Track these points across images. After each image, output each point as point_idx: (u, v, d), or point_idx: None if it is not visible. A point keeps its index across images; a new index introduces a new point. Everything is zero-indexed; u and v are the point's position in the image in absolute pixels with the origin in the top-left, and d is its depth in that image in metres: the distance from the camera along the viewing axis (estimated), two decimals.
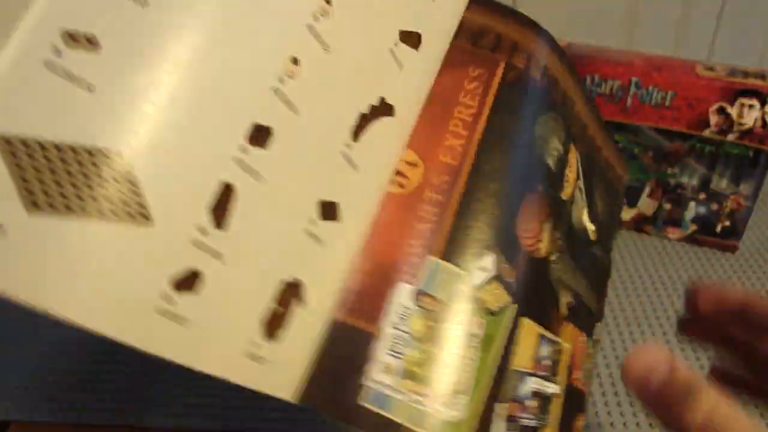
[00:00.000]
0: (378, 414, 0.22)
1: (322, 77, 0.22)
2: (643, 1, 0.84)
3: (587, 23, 0.82)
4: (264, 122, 0.20)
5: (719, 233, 0.65)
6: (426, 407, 0.22)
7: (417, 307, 0.24)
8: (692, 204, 0.65)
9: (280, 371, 0.21)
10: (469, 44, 0.28)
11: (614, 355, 0.54)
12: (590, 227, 0.33)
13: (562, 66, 0.31)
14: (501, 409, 0.24)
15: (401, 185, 0.25)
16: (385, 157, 0.25)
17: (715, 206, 0.64)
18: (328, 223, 0.23)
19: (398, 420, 0.22)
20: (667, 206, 0.66)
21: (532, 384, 0.26)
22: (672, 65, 0.61)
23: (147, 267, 0.17)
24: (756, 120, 0.58)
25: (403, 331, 0.23)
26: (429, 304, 0.24)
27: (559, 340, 0.28)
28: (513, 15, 0.30)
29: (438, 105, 0.27)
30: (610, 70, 0.62)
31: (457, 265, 0.24)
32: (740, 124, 0.59)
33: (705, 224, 0.66)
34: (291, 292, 0.21)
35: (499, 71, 0.28)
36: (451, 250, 0.24)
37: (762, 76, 0.59)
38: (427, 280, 0.24)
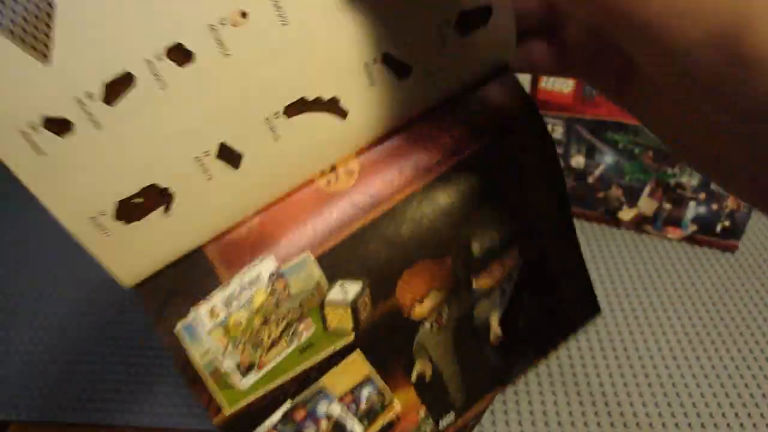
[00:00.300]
0: (181, 347, 0.24)
1: (265, 45, 0.22)
2: None
3: None
4: (188, 46, 0.21)
5: (719, 233, 0.65)
6: (222, 364, 0.25)
7: (268, 284, 0.25)
8: (692, 204, 0.65)
9: (122, 251, 0.23)
10: (466, 112, 0.29)
11: (614, 356, 0.54)
12: (495, 331, 0.32)
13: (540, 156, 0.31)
14: (290, 405, 0.26)
15: (329, 183, 0.27)
16: (315, 148, 0.26)
17: (715, 206, 0.64)
18: (224, 165, 0.24)
19: (195, 358, 0.24)
20: (667, 206, 0.66)
21: (334, 409, 0.28)
22: None
23: (26, 95, 0.19)
24: None
25: (245, 295, 0.25)
26: (279, 287, 0.25)
27: (389, 393, 0.29)
28: (522, 99, 0.29)
29: (404, 139, 0.27)
30: None
31: (325, 272, 0.26)
32: None
33: (705, 224, 0.66)
34: (160, 198, 0.23)
35: (478, 146, 0.28)
36: (329, 257, 0.26)
37: None
38: (291, 268, 0.25)
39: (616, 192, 0.68)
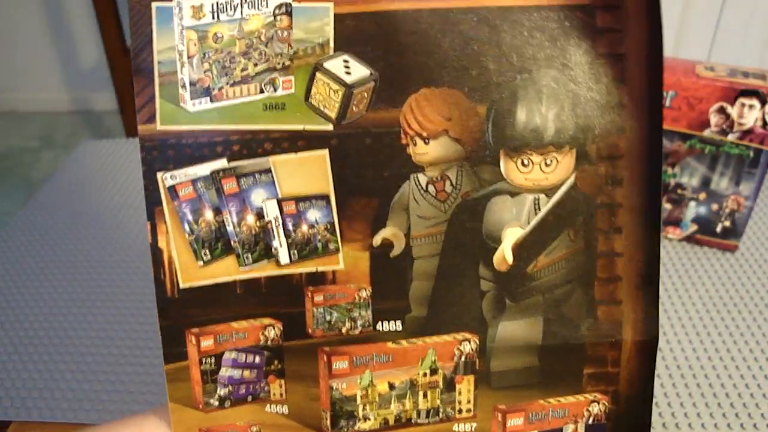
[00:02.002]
0: (144, 29, 0.21)
1: None
2: None
3: None
4: None
5: (719, 233, 0.65)
6: (179, 70, 0.22)
7: (272, 12, 0.21)
8: (692, 204, 0.65)
9: None
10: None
11: None
12: (504, 253, 0.24)
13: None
14: (223, 166, 0.23)
15: None
16: None
17: (715, 206, 0.64)
18: None
19: (154, 47, 0.21)
20: (667, 206, 0.66)
21: (270, 208, 0.23)
22: (672, 65, 0.61)
23: None
24: (756, 120, 0.58)
25: (240, 11, 0.21)
26: (281, 24, 0.22)
27: (337, 239, 0.24)
28: None
29: None
30: None
31: (337, 36, 0.22)
32: (740, 124, 0.59)
33: (705, 224, 0.65)
34: None
35: None
36: (351, 21, 0.22)
37: (762, 76, 0.59)
38: (304, 9, 0.22)
39: None
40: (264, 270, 0.24)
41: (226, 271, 0.24)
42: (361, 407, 0.26)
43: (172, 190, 0.23)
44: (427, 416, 0.27)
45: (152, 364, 0.53)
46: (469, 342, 0.25)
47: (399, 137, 0.23)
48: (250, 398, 0.27)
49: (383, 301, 0.25)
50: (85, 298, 0.60)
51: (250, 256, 0.24)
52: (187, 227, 0.23)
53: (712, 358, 0.53)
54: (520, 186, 0.24)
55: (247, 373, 0.26)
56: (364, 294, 0.25)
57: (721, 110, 0.59)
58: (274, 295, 0.25)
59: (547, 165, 0.24)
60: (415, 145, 0.23)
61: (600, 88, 0.23)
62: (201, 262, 0.24)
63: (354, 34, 0.22)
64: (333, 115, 0.22)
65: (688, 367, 0.52)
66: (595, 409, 0.26)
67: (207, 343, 0.25)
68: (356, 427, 0.26)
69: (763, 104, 0.57)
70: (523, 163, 0.24)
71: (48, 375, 0.52)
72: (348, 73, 0.22)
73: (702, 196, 0.64)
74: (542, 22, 0.22)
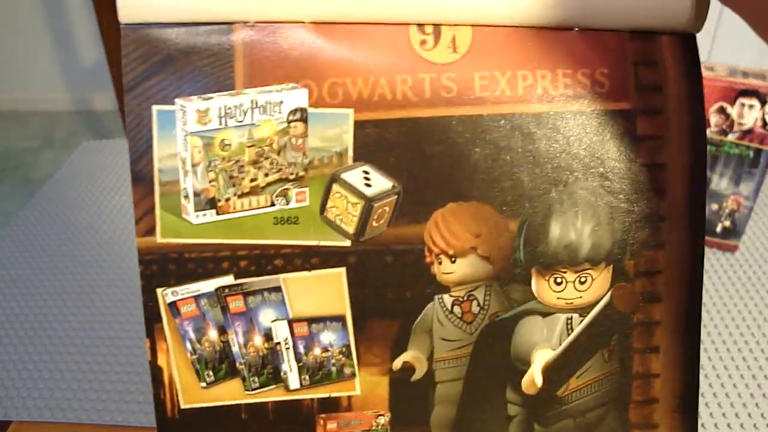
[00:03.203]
0: (143, 136, 0.19)
1: None
2: None
3: None
4: None
5: (719, 233, 0.65)
6: (183, 180, 0.20)
7: (286, 118, 0.20)
8: None
9: None
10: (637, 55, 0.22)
11: None
12: (534, 376, 0.23)
13: None
14: (230, 282, 0.21)
15: (423, 44, 0.20)
16: None
17: (715, 206, 0.64)
18: None
19: (155, 154, 0.19)
20: None
21: (280, 329, 0.21)
22: None
23: None
24: (756, 120, 0.58)
25: (251, 117, 0.20)
26: (296, 131, 0.20)
27: (354, 363, 0.22)
28: None
29: (547, 41, 0.21)
30: None
31: (357, 144, 0.20)
32: (740, 124, 0.59)
33: (705, 224, 0.65)
34: None
35: (628, 104, 0.22)
36: (373, 129, 0.20)
37: (762, 76, 0.59)
38: (322, 116, 0.20)
39: None
40: (272, 395, 0.22)
41: (231, 394, 0.22)
42: None
43: (173, 307, 0.21)
44: None
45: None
46: None
47: (423, 255, 0.21)
48: None
49: (403, 429, 0.23)
50: (85, 298, 0.60)
51: (256, 379, 0.22)
52: (189, 346, 0.21)
53: (711, 358, 0.53)
54: (553, 305, 0.22)
55: None
56: (382, 420, 0.23)
57: (721, 110, 0.59)
58: (283, 422, 0.23)
59: (581, 283, 0.22)
60: (440, 263, 0.21)
61: (639, 200, 0.21)
62: (204, 384, 0.22)
63: (375, 142, 0.20)
64: (351, 230, 0.20)
65: None
66: None
67: None
68: None
69: (763, 104, 0.57)
70: (556, 282, 0.22)
71: (48, 375, 0.52)
72: (368, 185, 0.20)
73: None
74: (579, 130, 0.21)
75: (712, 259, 0.65)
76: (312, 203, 0.20)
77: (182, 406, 0.22)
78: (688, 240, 0.22)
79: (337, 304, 0.21)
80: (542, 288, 0.22)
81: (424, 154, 0.20)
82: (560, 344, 0.23)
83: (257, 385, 0.22)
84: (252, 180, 0.20)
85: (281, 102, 0.19)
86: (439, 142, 0.20)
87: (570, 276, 0.22)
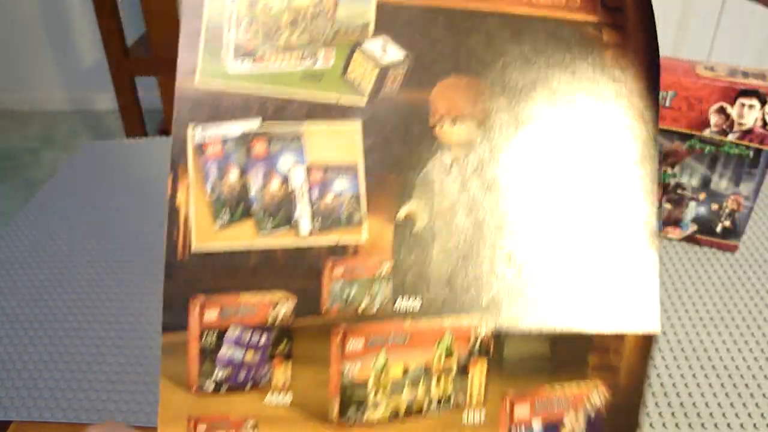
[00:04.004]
0: None
1: None
2: None
3: None
4: None
5: (719, 233, 0.65)
6: (224, 33, 0.23)
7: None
8: (692, 204, 0.65)
9: None
10: None
11: None
12: None
13: None
14: (256, 128, 0.23)
15: None
16: None
17: (715, 206, 0.64)
18: None
19: (205, 8, 0.22)
20: (667, 206, 0.66)
21: (296, 174, 0.23)
22: (672, 65, 0.61)
23: None
24: (756, 120, 0.58)
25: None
26: (328, 3, 0.23)
27: (363, 210, 0.24)
28: None
29: None
30: None
31: (378, 19, 0.24)
32: (740, 124, 0.59)
33: (705, 224, 0.66)
34: None
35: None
36: (391, 11, 0.24)
37: (762, 76, 0.59)
38: None
39: None
40: (283, 239, 0.24)
41: (244, 235, 0.23)
42: (372, 393, 0.25)
43: (200, 147, 0.22)
44: (438, 405, 0.26)
45: (153, 364, 0.53)
46: (486, 326, 0.25)
47: (427, 117, 0.24)
48: (249, 386, 0.25)
49: (404, 278, 0.25)
50: (86, 298, 0.60)
51: (271, 220, 0.23)
52: (209, 186, 0.23)
53: (711, 358, 0.53)
54: None
55: (249, 355, 0.25)
56: (385, 268, 0.24)
57: (721, 110, 0.59)
58: (291, 267, 0.24)
59: None
60: (442, 127, 0.24)
61: (603, 88, 0.25)
62: (220, 223, 0.23)
63: (392, 21, 0.24)
64: (367, 91, 0.23)
65: (688, 367, 0.52)
66: (596, 399, 0.26)
67: (211, 315, 0.24)
68: (365, 418, 0.25)
69: (763, 104, 0.57)
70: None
71: (48, 375, 0.52)
72: (384, 54, 0.23)
73: (702, 196, 0.64)
74: (557, 32, 0.25)
75: (712, 259, 0.65)
76: (336, 65, 0.23)
77: (194, 248, 0.23)
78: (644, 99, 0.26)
79: (351, 155, 0.24)
80: None
81: (431, 35, 0.24)
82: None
83: (270, 226, 0.23)
84: (286, 39, 0.23)
85: None
86: (444, 27, 0.24)
87: None
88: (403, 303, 0.25)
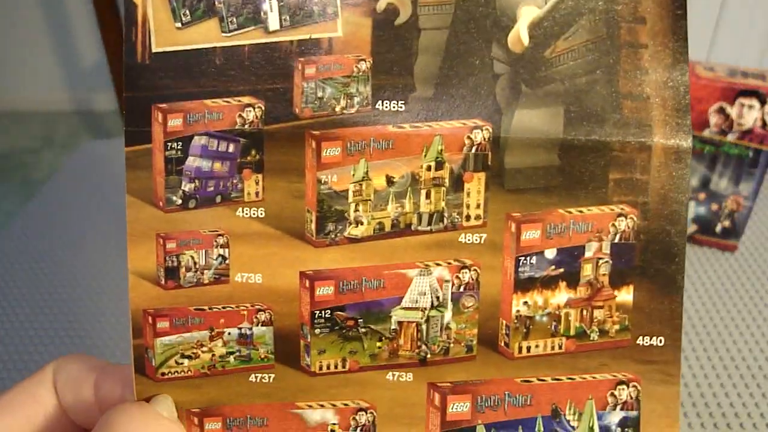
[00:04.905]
0: None
1: None
2: None
3: None
4: None
5: (719, 233, 0.65)
6: None
7: None
8: (692, 204, 0.65)
9: None
10: None
11: None
12: (519, 32, 0.23)
13: None
14: None
15: None
16: None
17: (715, 206, 0.64)
18: None
19: None
20: None
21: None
22: None
23: None
24: (756, 120, 0.58)
25: None
26: None
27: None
28: None
29: None
30: None
31: None
32: (740, 124, 0.59)
33: (705, 224, 0.66)
34: None
35: None
36: None
37: (762, 76, 0.59)
38: None
39: None
40: (249, 37, 0.22)
41: (206, 36, 0.21)
42: (353, 207, 0.23)
43: None
44: (430, 222, 0.23)
45: None
46: (481, 130, 0.22)
47: None
48: (219, 198, 0.23)
49: (385, 76, 0.22)
50: (86, 298, 0.60)
51: (234, 20, 0.21)
52: None
53: (711, 358, 0.53)
54: None
55: (218, 165, 0.23)
56: (363, 66, 0.22)
57: (721, 110, 0.59)
58: (259, 65, 0.22)
59: None
60: None
61: None
62: (179, 24, 0.21)
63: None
64: None
65: (687, 367, 0.52)
66: (623, 224, 0.23)
67: (175, 122, 0.22)
68: (346, 233, 0.23)
69: (762, 104, 0.57)
70: None
71: None
72: None
73: (702, 196, 0.64)
74: None
75: (711, 259, 0.65)
76: None
77: (154, 49, 0.21)
78: None
79: None
80: None
81: None
82: (546, 2, 0.22)
83: (235, 26, 0.21)
84: None
85: None
86: None
87: None
88: (386, 105, 0.22)
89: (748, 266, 0.64)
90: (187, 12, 0.21)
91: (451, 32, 0.22)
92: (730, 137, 0.60)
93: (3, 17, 2.35)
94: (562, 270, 0.23)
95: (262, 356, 0.24)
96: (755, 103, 0.58)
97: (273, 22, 0.21)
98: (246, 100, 0.22)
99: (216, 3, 0.21)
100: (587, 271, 0.23)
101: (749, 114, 0.58)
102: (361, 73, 0.22)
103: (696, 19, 0.86)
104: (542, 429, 0.24)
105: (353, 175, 0.22)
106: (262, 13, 0.21)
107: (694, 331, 0.56)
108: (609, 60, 0.23)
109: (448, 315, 0.24)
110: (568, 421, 0.24)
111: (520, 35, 0.22)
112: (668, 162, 0.23)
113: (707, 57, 0.88)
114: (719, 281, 0.62)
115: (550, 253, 0.23)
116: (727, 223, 0.65)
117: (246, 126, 0.22)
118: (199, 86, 0.22)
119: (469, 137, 0.22)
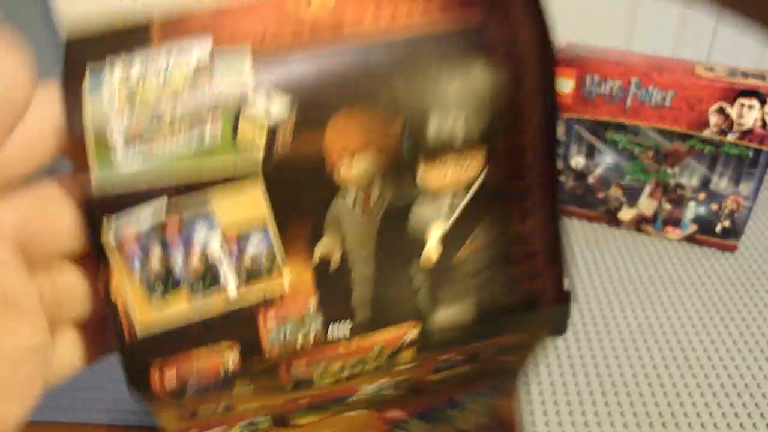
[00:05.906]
0: (76, 108, 0.22)
1: None
2: (643, 1, 0.84)
3: (587, 23, 0.82)
4: None
5: (719, 233, 0.66)
6: (110, 123, 0.22)
7: (194, 63, 0.23)
8: (692, 204, 0.65)
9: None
10: None
11: (614, 355, 0.54)
12: (431, 250, 0.26)
13: None
14: (165, 205, 0.23)
15: (298, 7, 0.25)
16: None
17: (715, 206, 0.64)
18: None
19: (86, 113, 0.22)
20: (667, 206, 0.66)
21: (213, 244, 0.24)
22: (672, 65, 0.61)
23: None
24: (756, 120, 0.58)
25: (166, 61, 0.23)
26: (203, 77, 0.23)
27: (281, 257, 0.25)
28: None
29: None
30: (610, 70, 0.62)
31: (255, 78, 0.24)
32: (740, 125, 0.59)
33: (705, 224, 0.66)
34: None
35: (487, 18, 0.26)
36: (270, 60, 0.24)
37: (762, 77, 0.59)
38: (223, 59, 0.23)
39: (616, 192, 0.68)
40: (215, 303, 0.25)
41: (179, 304, 0.24)
42: (318, 380, 0.28)
43: (119, 246, 0.23)
44: (376, 370, 0.28)
45: None
46: (413, 331, 0.27)
47: (324, 159, 0.24)
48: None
49: (331, 309, 0.26)
50: None
51: (201, 284, 0.24)
52: (137, 276, 0.24)
53: (711, 358, 0.53)
54: (440, 187, 0.26)
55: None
56: (312, 306, 0.26)
57: (721, 110, 0.59)
58: (229, 323, 0.25)
59: (461, 164, 0.26)
60: (339, 169, 0.25)
61: (498, 91, 0.25)
62: (155, 297, 0.24)
63: (270, 78, 0.23)
64: (261, 152, 0.23)
65: (687, 367, 0.52)
66: None
67: (171, 379, 0.25)
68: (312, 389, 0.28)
69: (762, 104, 0.58)
70: (440, 170, 0.26)
71: None
72: (269, 112, 0.23)
73: (701, 196, 0.64)
74: (439, 45, 0.25)
75: (711, 259, 0.65)
76: (224, 135, 0.23)
77: (138, 334, 0.24)
78: (542, 120, 0.25)
79: (259, 211, 0.24)
80: (428, 175, 0.25)
81: (315, 82, 0.24)
82: (450, 219, 0.26)
83: (201, 289, 0.24)
84: (170, 113, 0.23)
85: (190, 49, 0.23)
86: (328, 73, 0.24)
87: (451, 165, 0.25)
88: (335, 330, 0.26)
89: (748, 266, 0.64)
90: (159, 288, 0.24)
91: (376, 264, 0.26)
92: (730, 137, 0.60)
93: (3, 18, 2.35)
94: None
95: None
96: (755, 103, 0.58)
97: (231, 290, 0.25)
98: (224, 345, 0.25)
99: (181, 282, 0.24)
100: None
101: (749, 114, 0.58)
102: (311, 311, 0.26)
103: (696, 19, 0.86)
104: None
105: (315, 371, 0.27)
106: (221, 283, 0.25)
107: (694, 330, 0.56)
108: (505, 252, 0.27)
109: None
110: None
111: (430, 252, 0.26)
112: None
113: (707, 57, 0.88)
114: (719, 281, 0.62)
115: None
116: (727, 223, 0.65)
117: (228, 370, 0.25)
118: (181, 347, 0.25)
119: (402, 339, 0.27)
